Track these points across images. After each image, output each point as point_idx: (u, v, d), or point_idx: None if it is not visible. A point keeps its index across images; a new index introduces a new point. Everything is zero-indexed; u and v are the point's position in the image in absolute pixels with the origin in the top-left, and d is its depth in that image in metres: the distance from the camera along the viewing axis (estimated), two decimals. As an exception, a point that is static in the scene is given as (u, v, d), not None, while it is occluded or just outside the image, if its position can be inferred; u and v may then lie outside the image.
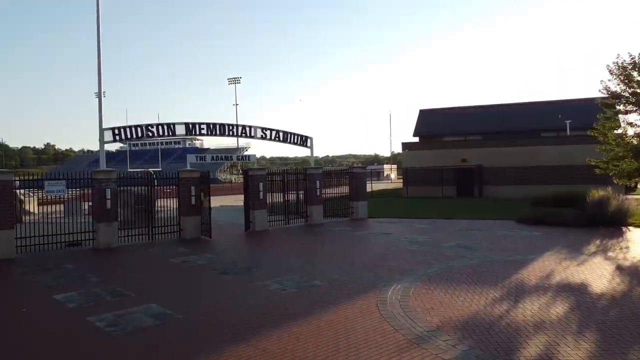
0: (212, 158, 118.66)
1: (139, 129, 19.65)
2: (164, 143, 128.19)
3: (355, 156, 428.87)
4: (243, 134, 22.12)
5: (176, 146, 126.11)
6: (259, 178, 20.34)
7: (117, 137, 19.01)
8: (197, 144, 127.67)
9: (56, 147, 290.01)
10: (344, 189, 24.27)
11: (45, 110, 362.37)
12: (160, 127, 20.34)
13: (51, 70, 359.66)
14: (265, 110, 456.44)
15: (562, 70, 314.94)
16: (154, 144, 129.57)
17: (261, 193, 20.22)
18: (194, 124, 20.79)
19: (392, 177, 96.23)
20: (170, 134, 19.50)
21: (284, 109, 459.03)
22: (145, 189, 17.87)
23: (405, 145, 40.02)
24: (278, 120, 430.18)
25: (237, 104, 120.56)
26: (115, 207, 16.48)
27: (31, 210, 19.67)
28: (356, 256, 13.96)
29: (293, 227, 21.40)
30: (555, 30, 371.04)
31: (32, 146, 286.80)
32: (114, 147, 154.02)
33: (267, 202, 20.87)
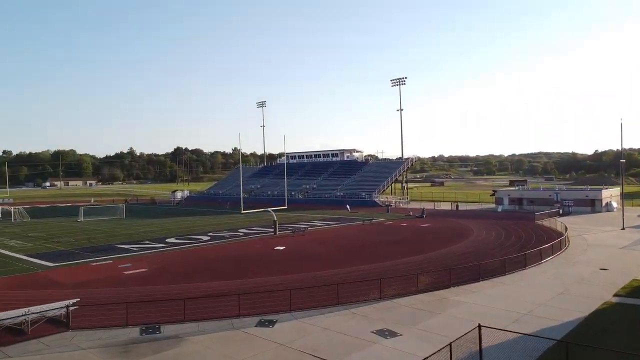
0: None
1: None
2: (321, 155, 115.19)
3: (547, 154, 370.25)
4: None
5: (334, 159, 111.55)
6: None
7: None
8: (357, 155, 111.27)
9: (242, 151, 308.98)
10: None
11: (232, 117, 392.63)
12: None
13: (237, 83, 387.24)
14: (433, 100, 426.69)
15: None
16: (311, 156, 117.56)
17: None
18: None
19: (614, 206, 66.07)
20: None
21: (446, 103, 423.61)
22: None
23: None
24: (450, 112, 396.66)
25: (401, 109, 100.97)
26: None
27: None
28: None
29: None
30: None
31: (222, 151, 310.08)
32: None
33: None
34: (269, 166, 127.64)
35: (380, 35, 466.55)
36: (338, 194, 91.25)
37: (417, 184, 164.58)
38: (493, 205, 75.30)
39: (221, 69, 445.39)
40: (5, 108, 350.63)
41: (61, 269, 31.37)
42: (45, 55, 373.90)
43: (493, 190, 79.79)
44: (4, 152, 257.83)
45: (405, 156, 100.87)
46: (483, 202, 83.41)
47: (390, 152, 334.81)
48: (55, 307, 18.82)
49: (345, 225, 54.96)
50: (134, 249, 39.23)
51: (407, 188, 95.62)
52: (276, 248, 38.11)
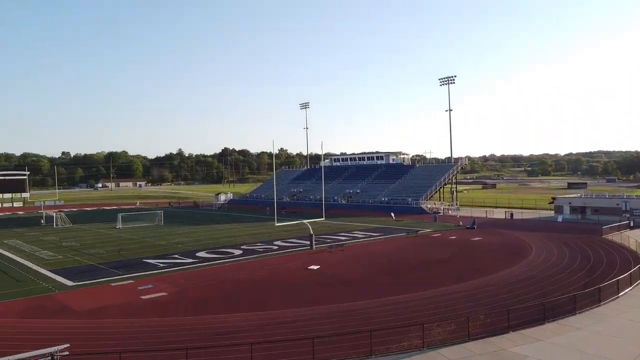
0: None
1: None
2: (365, 159, 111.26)
3: (607, 153, 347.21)
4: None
5: (378, 162, 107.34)
6: None
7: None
8: (403, 157, 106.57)
9: (288, 151, 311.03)
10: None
11: (278, 119, 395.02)
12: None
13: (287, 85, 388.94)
14: (481, 96, 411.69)
15: None
16: (355, 159, 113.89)
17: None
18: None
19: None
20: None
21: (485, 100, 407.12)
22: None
23: None
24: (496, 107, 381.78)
25: (450, 110, 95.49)
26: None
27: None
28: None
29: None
30: None
31: (268, 151, 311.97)
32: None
33: None
34: (312, 169, 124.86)
35: (420, 33, 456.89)
36: (383, 199, 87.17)
37: (467, 187, 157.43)
38: (552, 214, 69.11)
39: (268, 69, 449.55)
40: (68, 110, 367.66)
41: (78, 291, 29.43)
42: (105, 60, 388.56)
43: (552, 198, 73.33)
44: (63, 153, 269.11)
45: (454, 156, 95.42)
46: (540, 209, 77.15)
47: (439, 152, 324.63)
48: (39, 354, 16.30)
49: (388, 237, 51.05)
50: (161, 264, 37.11)
51: (456, 193, 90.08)
52: (309, 267, 34.89)
